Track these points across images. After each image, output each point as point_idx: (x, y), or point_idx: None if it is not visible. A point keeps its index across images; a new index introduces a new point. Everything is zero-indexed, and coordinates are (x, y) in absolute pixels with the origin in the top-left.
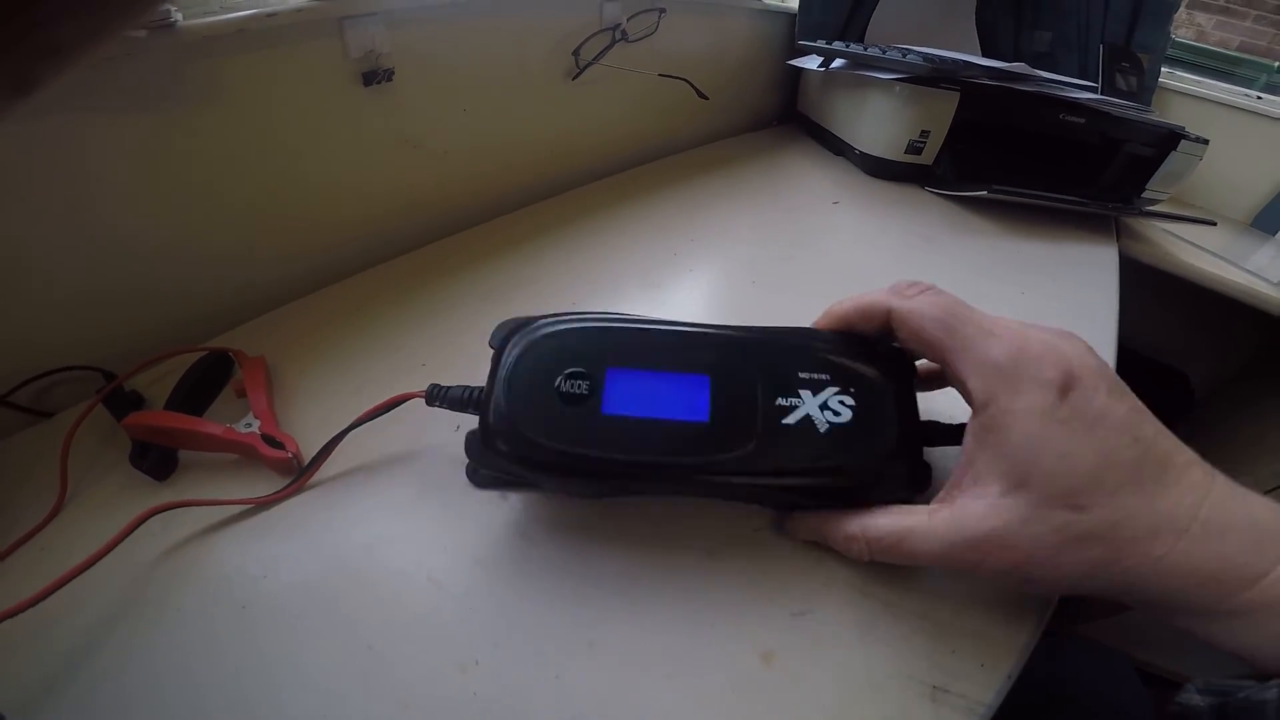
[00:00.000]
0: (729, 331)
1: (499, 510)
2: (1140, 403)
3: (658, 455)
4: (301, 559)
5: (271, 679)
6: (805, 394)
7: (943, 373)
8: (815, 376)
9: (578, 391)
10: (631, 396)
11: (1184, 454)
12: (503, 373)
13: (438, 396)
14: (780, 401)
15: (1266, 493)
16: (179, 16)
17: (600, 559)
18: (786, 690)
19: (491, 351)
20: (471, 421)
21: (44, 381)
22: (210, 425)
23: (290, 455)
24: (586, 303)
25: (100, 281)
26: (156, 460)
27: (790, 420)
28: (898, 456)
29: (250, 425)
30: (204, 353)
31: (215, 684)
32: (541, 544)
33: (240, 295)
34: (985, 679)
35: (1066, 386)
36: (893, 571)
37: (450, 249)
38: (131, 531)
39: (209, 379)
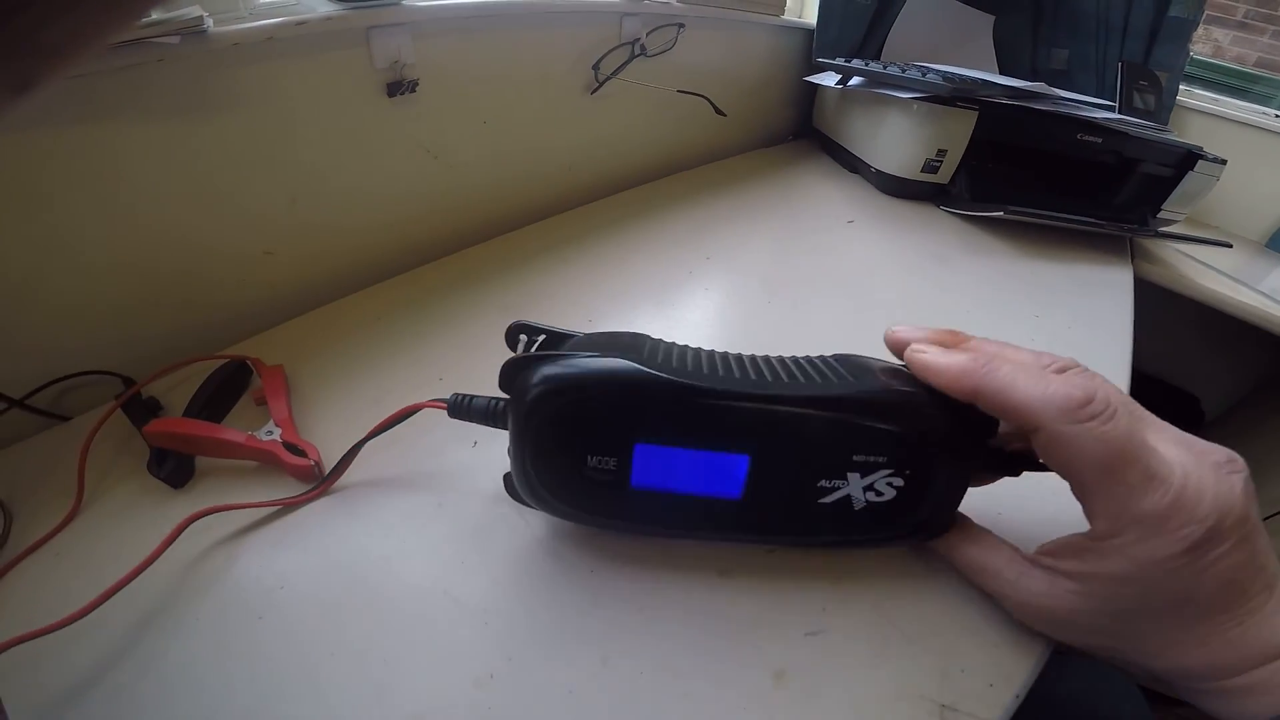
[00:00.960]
0: (784, 405)
1: (516, 527)
2: (1258, 540)
3: (685, 528)
4: (319, 571)
5: (287, 690)
6: (853, 476)
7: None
8: (871, 459)
9: (606, 469)
10: (663, 472)
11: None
12: (525, 439)
13: (462, 408)
14: (823, 484)
15: (1272, 515)
16: (209, 23)
17: (614, 576)
18: (798, 708)
19: None
20: (490, 435)
21: (63, 385)
22: (232, 433)
23: (313, 463)
24: (603, 321)
25: (122, 287)
26: (174, 468)
27: (827, 500)
28: (931, 524)
29: (271, 433)
30: (223, 361)
31: (231, 695)
32: (557, 560)
33: (260, 303)
34: (994, 698)
35: (1201, 545)
36: (905, 592)
37: (469, 260)
38: (175, 539)
39: (228, 387)
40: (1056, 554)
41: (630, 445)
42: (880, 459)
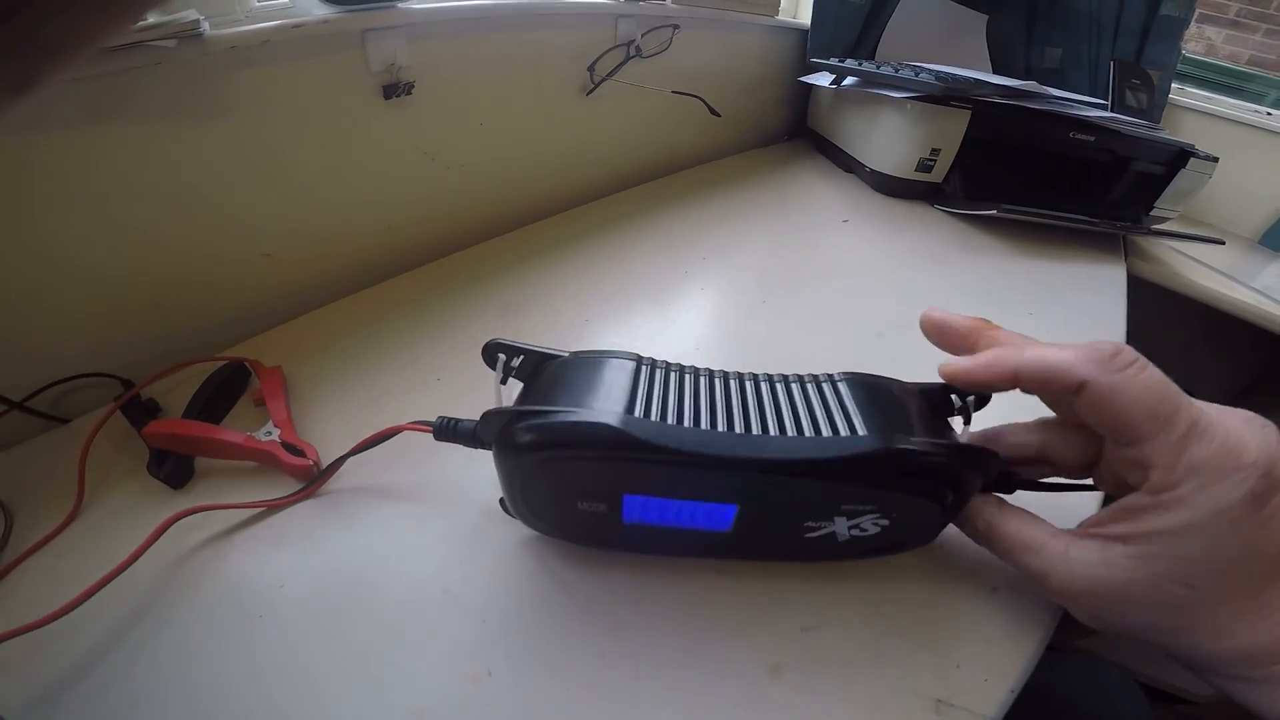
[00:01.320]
0: (773, 470)
1: (512, 525)
2: None
3: (679, 554)
4: (318, 569)
5: (287, 688)
6: (840, 520)
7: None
8: (860, 508)
9: (596, 511)
10: (652, 513)
11: None
12: (514, 488)
13: (448, 431)
14: (809, 524)
15: None
16: (206, 26)
17: (611, 573)
18: (794, 703)
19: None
20: None
21: (63, 387)
22: (231, 433)
23: (311, 463)
24: (599, 320)
25: (120, 290)
26: (174, 469)
27: (813, 535)
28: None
29: (270, 434)
30: (222, 362)
31: (230, 692)
32: (553, 558)
33: (258, 305)
34: (989, 693)
35: (1262, 494)
36: (900, 587)
37: (466, 262)
38: (157, 538)
39: (226, 389)
40: (1107, 521)
41: (619, 495)
42: (869, 507)
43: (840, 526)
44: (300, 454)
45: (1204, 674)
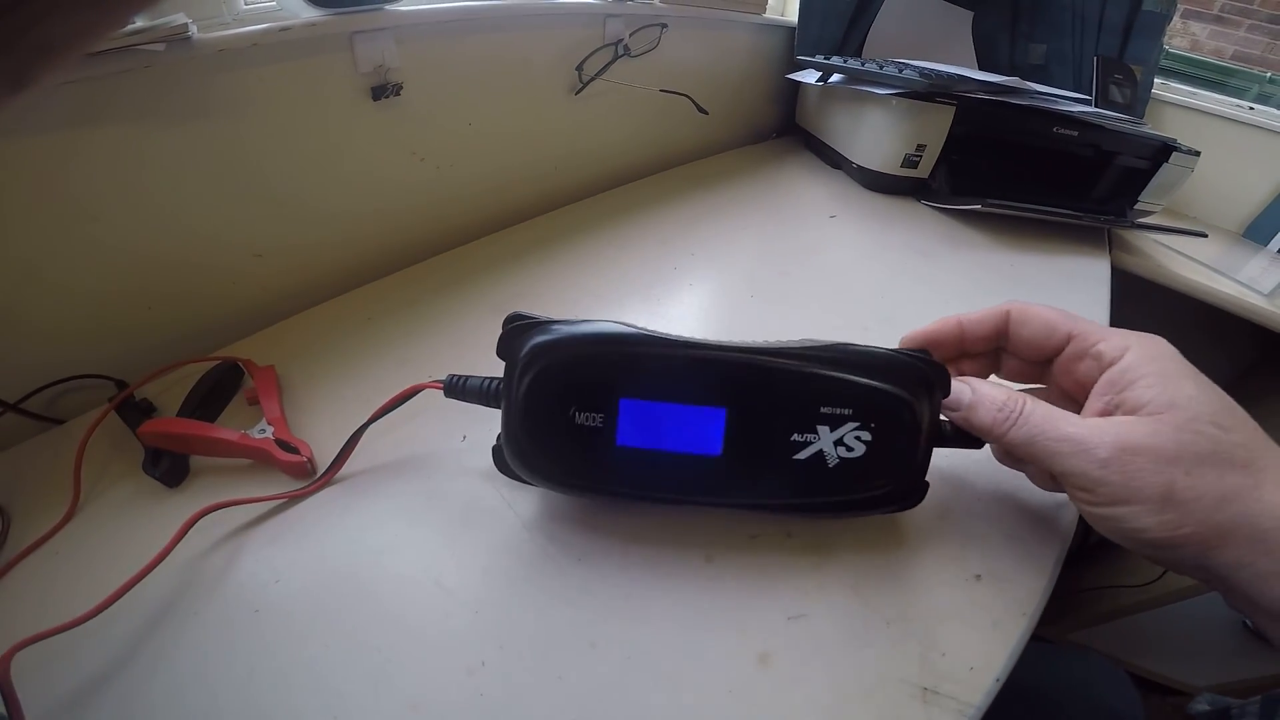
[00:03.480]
0: (753, 355)
1: (504, 518)
2: None
3: (669, 490)
4: (313, 564)
5: (283, 682)
6: (823, 430)
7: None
8: (837, 411)
9: (592, 425)
10: (646, 429)
11: None
12: (516, 399)
13: (457, 388)
14: (795, 438)
15: None
16: (194, 30)
17: (601, 564)
18: (782, 691)
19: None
20: (478, 429)
21: (57, 389)
22: (226, 431)
23: (305, 459)
24: (589, 316)
25: (113, 291)
26: (169, 468)
27: (801, 456)
28: (901, 485)
29: (264, 431)
30: (215, 362)
31: (229, 686)
32: (545, 550)
33: (251, 305)
34: (975, 681)
35: (1182, 358)
36: (885, 577)
37: (455, 261)
38: (183, 536)
39: (220, 388)
40: (1103, 405)
41: (615, 401)
42: (846, 411)
43: (826, 442)
44: (294, 451)
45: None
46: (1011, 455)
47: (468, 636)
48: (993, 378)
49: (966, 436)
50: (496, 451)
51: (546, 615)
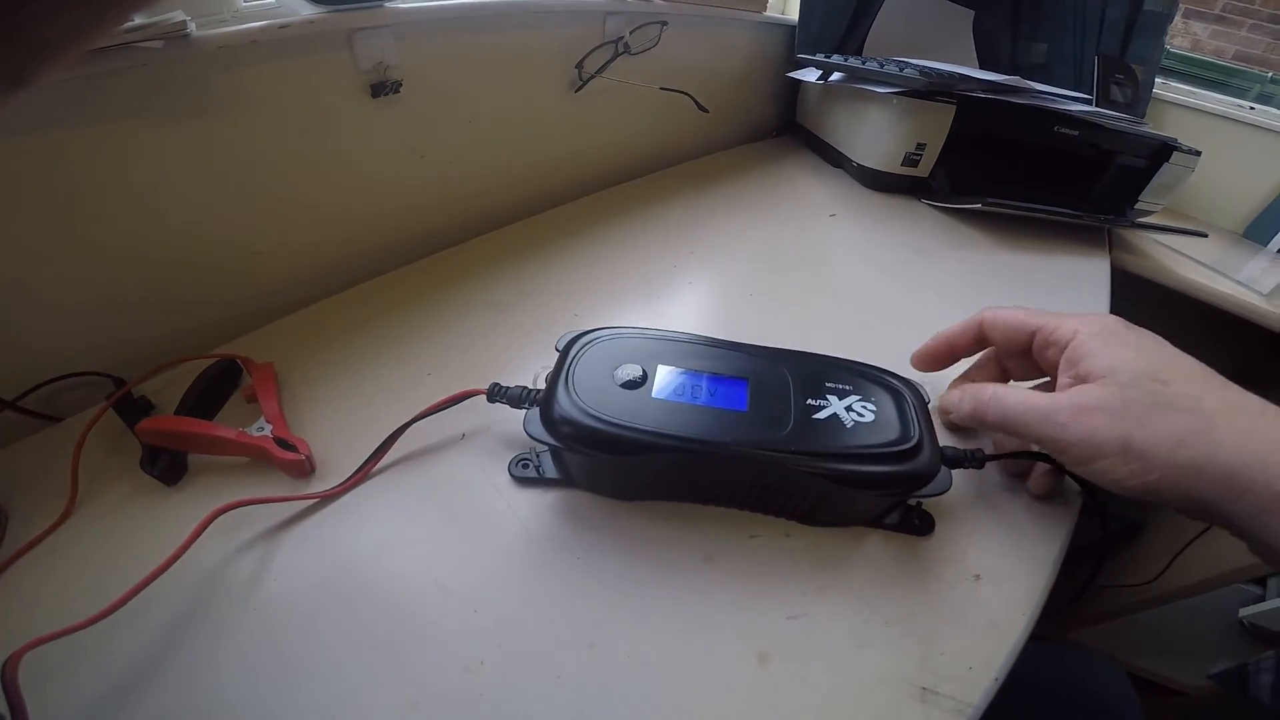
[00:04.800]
0: (764, 349)
1: (504, 517)
2: None
3: (703, 434)
4: (313, 563)
5: (283, 680)
6: (832, 398)
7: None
8: (840, 386)
9: (633, 378)
10: (679, 388)
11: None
12: (569, 364)
13: (499, 394)
14: (810, 401)
15: None
16: (193, 27)
17: (600, 564)
18: (782, 690)
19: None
20: (476, 429)
21: (54, 386)
22: (223, 429)
23: (304, 457)
24: (590, 315)
25: (110, 288)
26: (167, 465)
27: (820, 416)
28: (919, 458)
29: (262, 429)
30: (213, 359)
31: (227, 684)
32: (543, 549)
33: (249, 303)
34: (973, 681)
35: (1127, 327)
36: (884, 577)
37: (455, 259)
38: (200, 534)
39: (218, 386)
40: (1063, 384)
41: (654, 365)
42: (848, 387)
43: (838, 407)
44: (293, 449)
45: (1240, 503)
46: (1000, 436)
47: (467, 636)
48: (1011, 382)
49: (972, 459)
50: (529, 418)
51: (546, 615)
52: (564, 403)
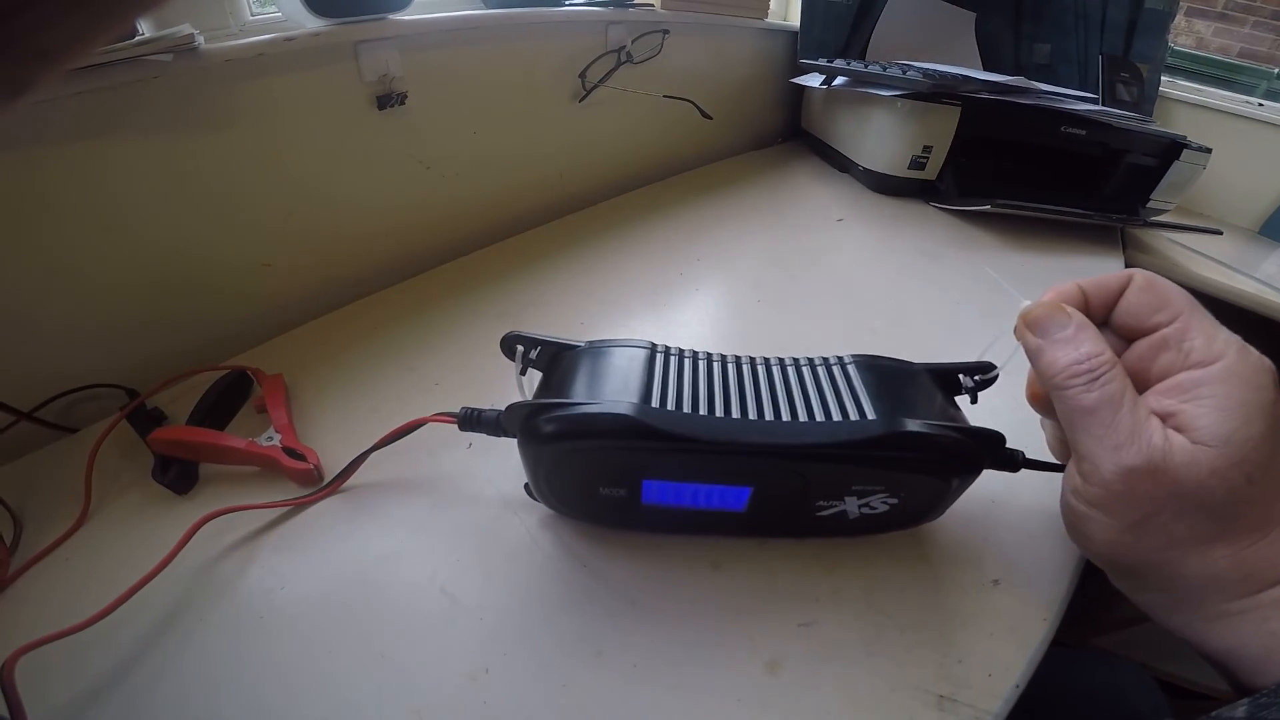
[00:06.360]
0: (786, 454)
1: (509, 524)
2: None
3: (694, 532)
4: (317, 571)
5: (288, 688)
6: (850, 500)
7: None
8: (869, 488)
9: (617, 496)
10: (670, 495)
11: None
12: (539, 476)
13: (472, 420)
14: (820, 503)
15: None
16: (200, 40)
17: (607, 571)
18: (792, 699)
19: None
20: (481, 439)
21: (70, 398)
22: (234, 439)
23: (312, 466)
24: (595, 324)
25: (125, 302)
26: (178, 475)
27: (825, 514)
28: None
29: (272, 439)
30: (224, 371)
31: (233, 692)
32: (549, 556)
33: (259, 315)
34: (993, 688)
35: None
36: (897, 582)
37: (462, 269)
38: (191, 538)
39: (229, 396)
40: (1161, 409)
41: (638, 480)
42: (878, 488)
43: (850, 505)
44: (301, 458)
45: (1183, 610)
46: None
47: (471, 643)
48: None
49: (1004, 463)
50: (528, 487)
51: (551, 622)
52: (550, 500)
